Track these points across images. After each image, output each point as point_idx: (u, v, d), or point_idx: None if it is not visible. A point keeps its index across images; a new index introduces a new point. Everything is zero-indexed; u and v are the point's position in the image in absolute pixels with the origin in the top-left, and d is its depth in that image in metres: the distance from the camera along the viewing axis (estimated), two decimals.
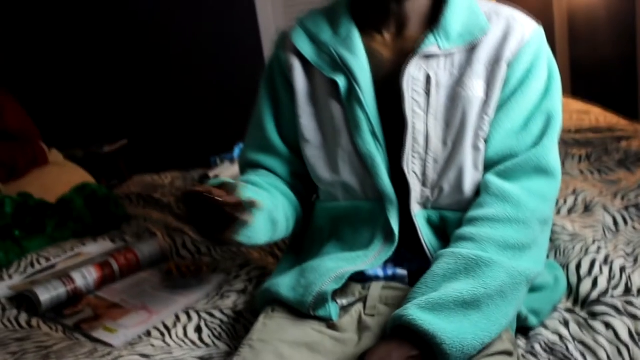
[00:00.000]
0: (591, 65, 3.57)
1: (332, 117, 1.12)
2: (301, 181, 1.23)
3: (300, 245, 1.25)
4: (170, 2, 3.72)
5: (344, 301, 1.07)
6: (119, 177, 3.42)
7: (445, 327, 0.88)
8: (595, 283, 1.17)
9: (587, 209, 1.52)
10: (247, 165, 1.25)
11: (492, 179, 1.04)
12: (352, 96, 1.09)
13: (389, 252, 1.08)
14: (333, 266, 1.07)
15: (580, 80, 3.61)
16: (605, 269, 1.20)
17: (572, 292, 1.19)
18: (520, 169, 1.03)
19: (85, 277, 1.42)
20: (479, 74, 1.05)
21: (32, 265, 1.62)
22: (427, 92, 1.06)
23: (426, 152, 1.06)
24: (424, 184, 1.07)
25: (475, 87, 1.05)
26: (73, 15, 3.83)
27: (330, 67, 1.12)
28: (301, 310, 1.05)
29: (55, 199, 1.98)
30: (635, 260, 1.25)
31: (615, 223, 1.44)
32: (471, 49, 1.07)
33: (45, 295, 1.35)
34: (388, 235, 1.09)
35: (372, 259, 1.08)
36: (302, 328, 1.04)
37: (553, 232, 1.33)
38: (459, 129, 1.05)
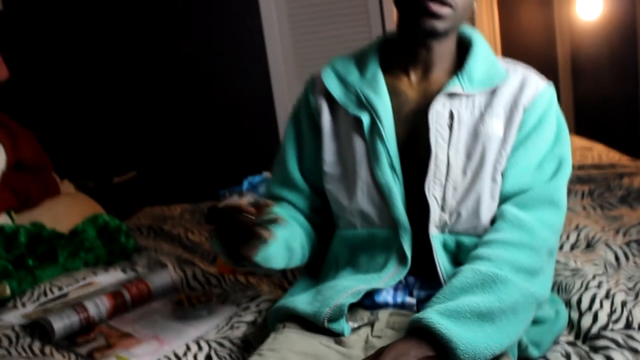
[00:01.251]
0: (594, 104, 3.62)
1: (354, 151, 1.22)
2: (319, 215, 1.31)
3: (317, 270, 1.32)
4: (180, 39, 3.80)
5: (355, 324, 1.12)
6: (129, 209, 3.45)
7: (461, 334, 0.93)
8: (595, 317, 1.20)
9: (589, 245, 1.55)
10: (271, 199, 1.31)
11: (509, 208, 1.13)
12: (374, 132, 1.19)
13: (401, 274, 1.15)
14: (349, 284, 1.14)
15: (584, 118, 3.65)
16: (607, 304, 1.22)
17: (574, 327, 1.22)
18: (535, 201, 1.12)
19: (98, 306, 1.44)
20: (498, 115, 1.17)
21: (45, 294, 1.65)
22: (450, 127, 1.17)
23: (446, 179, 1.15)
24: (442, 208, 1.14)
25: (495, 126, 1.16)
26: (85, 49, 3.90)
27: (355, 105, 1.22)
28: (316, 322, 1.10)
29: (66, 228, 2.01)
30: (637, 295, 1.28)
31: (617, 259, 1.46)
32: (491, 93, 1.19)
33: (59, 323, 1.37)
34: (401, 259, 1.15)
35: (385, 280, 1.15)
36: (311, 341, 1.09)
37: (555, 269, 1.36)
38: (479, 162, 1.15)
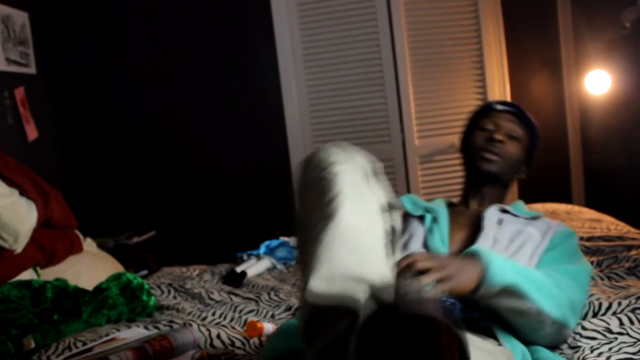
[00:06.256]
0: (604, 176, 3.68)
1: (412, 232, 1.63)
2: None
3: None
4: (199, 108, 3.92)
5: None
6: (147, 268, 3.52)
7: (497, 258, 1.27)
8: None
9: (596, 314, 1.59)
10: None
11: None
12: (432, 222, 1.62)
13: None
14: None
15: (593, 191, 3.72)
16: None
17: None
18: (563, 272, 1.43)
19: None
20: (536, 229, 1.57)
21: (70, 348, 1.69)
22: (499, 224, 1.58)
23: (492, 248, 1.50)
24: None
25: (534, 232, 1.56)
26: (109, 113, 4.04)
27: (422, 211, 1.67)
28: None
29: (88, 285, 2.07)
30: None
31: (622, 324, 1.47)
32: (531, 219, 1.62)
33: None
34: None
35: None
36: None
37: (560, 348, 1.43)
38: (519, 246, 1.52)
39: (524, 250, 1.51)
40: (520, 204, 1.71)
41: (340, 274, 0.98)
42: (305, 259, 1.07)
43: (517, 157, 1.70)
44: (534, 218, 1.64)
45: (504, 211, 1.63)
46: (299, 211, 1.17)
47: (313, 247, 1.03)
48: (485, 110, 1.77)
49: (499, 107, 1.76)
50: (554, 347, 1.43)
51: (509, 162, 1.67)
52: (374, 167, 1.18)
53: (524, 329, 1.35)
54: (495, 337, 1.32)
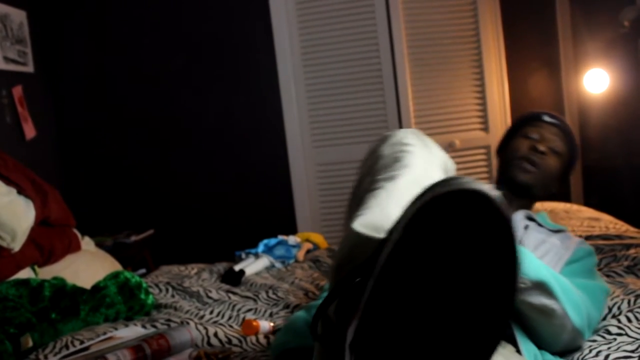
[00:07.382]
0: (602, 175, 3.68)
1: None
2: None
3: None
4: (200, 107, 3.92)
5: None
6: (145, 266, 3.52)
7: (529, 253, 1.29)
8: None
9: None
10: None
11: None
12: None
13: None
14: None
15: (592, 189, 3.72)
16: None
17: None
18: (581, 287, 1.43)
19: (120, 359, 1.50)
20: (559, 240, 1.57)
21: (67, 347, 1.69)
22: (524, 229, 1.58)
23: None
24: None
25: (557, 242, 1.56)
26: (108, 112, 4.04)
27: None
28: None
29: (86, 283, 2.07)
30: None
31: (620, 323, 1.47)
32: (554, 232, 1.61)
33: None
34: None
35: None
36: None
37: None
38: (544, 253, 1.52)
39: (547, 258, 1.51)
40: (545, 215, 1.71)
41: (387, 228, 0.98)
42: (357, 200, 1.09)
43: (555, 172, 1.69)
44: (558, 231, 1.64)
45: (530, 219, 1.64)
46: (360, 174, 1.20)
47: (372, 193, 1.06)
48: (532, 119, 1.76)
49: (547, 118, 1.75)
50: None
51: (545, 175, 1.66)
52: (451, 165, 1.21)
53: (544, 333, 1.33)
54: (512, 343, 1.30)
